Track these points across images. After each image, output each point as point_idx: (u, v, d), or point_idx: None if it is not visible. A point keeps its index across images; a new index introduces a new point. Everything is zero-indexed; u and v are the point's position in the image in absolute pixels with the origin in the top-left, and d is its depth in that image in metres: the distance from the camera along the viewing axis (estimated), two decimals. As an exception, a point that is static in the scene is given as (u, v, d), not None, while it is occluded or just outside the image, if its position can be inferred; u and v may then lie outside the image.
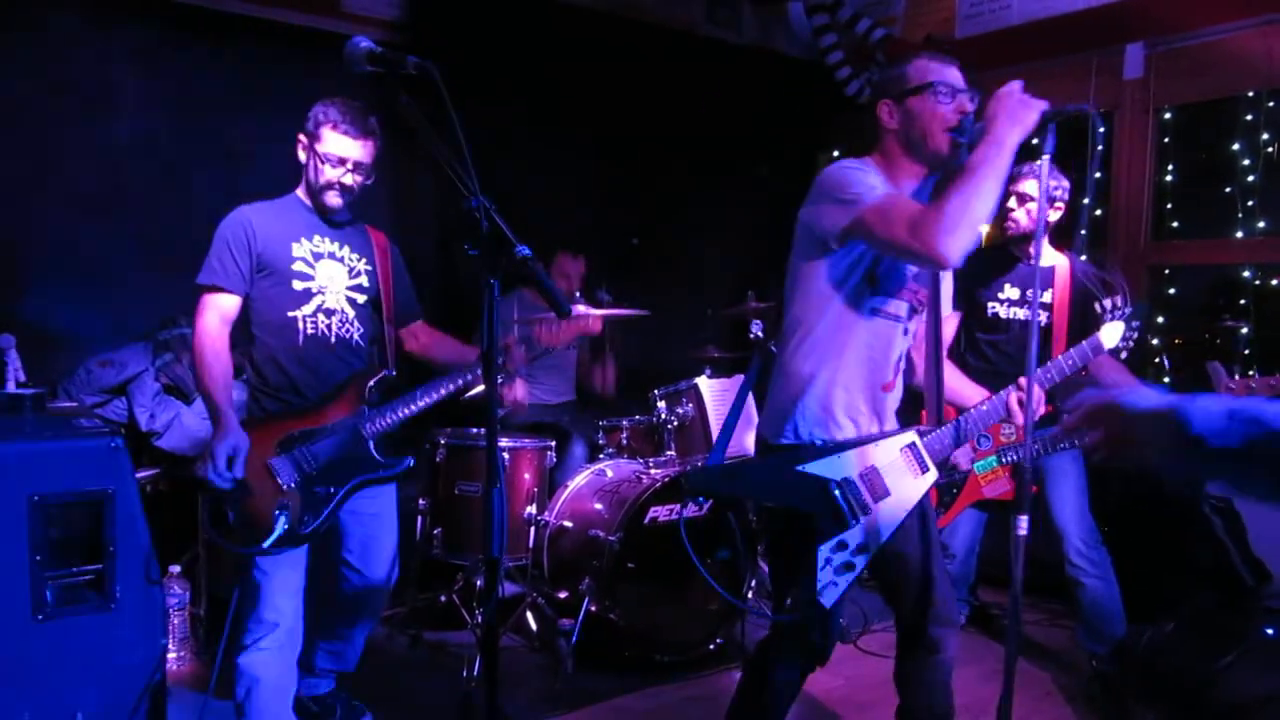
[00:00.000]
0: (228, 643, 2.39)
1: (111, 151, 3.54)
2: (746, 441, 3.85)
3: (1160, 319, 4.24)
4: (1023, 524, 1.85)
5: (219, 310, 2.35)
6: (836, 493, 1.93)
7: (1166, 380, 4.20)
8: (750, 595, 3.57)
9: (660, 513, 3.28)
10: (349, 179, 2.40)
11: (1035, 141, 1.88)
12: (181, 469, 3.27)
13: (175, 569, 3.17)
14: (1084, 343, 2.61)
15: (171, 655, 3.09)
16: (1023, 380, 2.30)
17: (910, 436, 2.06)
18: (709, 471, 2.14)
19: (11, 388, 2.80)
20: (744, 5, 5.08)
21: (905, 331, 2.10)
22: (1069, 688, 3.19)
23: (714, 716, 3.01)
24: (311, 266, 2.42)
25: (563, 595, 3.39)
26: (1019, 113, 1.84)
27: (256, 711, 2.38)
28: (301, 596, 2.40)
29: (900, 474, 2.01)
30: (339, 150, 2.37)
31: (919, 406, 2.26)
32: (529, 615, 3.48)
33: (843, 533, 1.93)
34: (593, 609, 3.21)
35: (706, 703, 3.08)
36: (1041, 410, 2.40)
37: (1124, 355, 2.73)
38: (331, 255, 2.46)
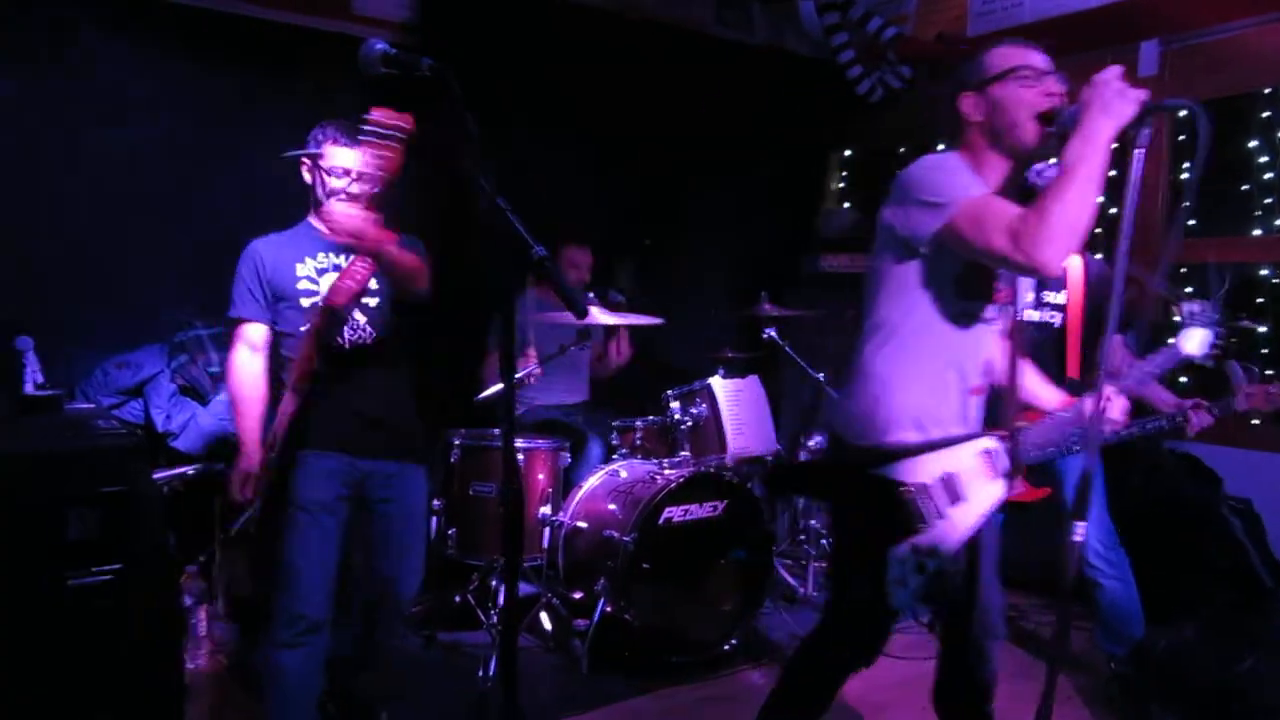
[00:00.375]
0: (256, 639, 2.42)
1: (127, 155, 3.56)
2: (754, 444, 3.84)
3: (1176, 317, 4.21)
4: (1080, 530, 1.78)
5: (247, 340, 2.48)
6: (912, 497, 1.89)
7: (1183, 380, 4.17)
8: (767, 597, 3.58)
9: (675, 513, 3.27)
10: (355, 188, 2.46)
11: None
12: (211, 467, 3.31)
13: (192, 569, 3.19)
14: (1167, 349, 2.50)
15: (188, 654, 3.11)
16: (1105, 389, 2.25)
17: (988, 441, 2.00)
18: (791, 469, 2.11)
19: (30, 389, 2.82)
20: (754, 5, 5.06)
21: (994, 332, 2.03)
22: (1088, 689, 3.17)
23: (730, 716, 3.01)
24: (315, 283, 2.46)
25: (577, 596, 3.39)
26: (1115, 104, 1.70)
27: (281, 708, 2.40)
28: (331, 596, 2.42)
29: (977, 479, 1.96)
30: (343, 162, 2.45)
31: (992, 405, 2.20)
32: (543, 616, 3.48)
33: (916, 536, 1.89)
34: (608, 609, 3.21)
35: (722, 703, 3.08)
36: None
37: (1211, 365, 2.57)
38: (336, 268, 2.48)
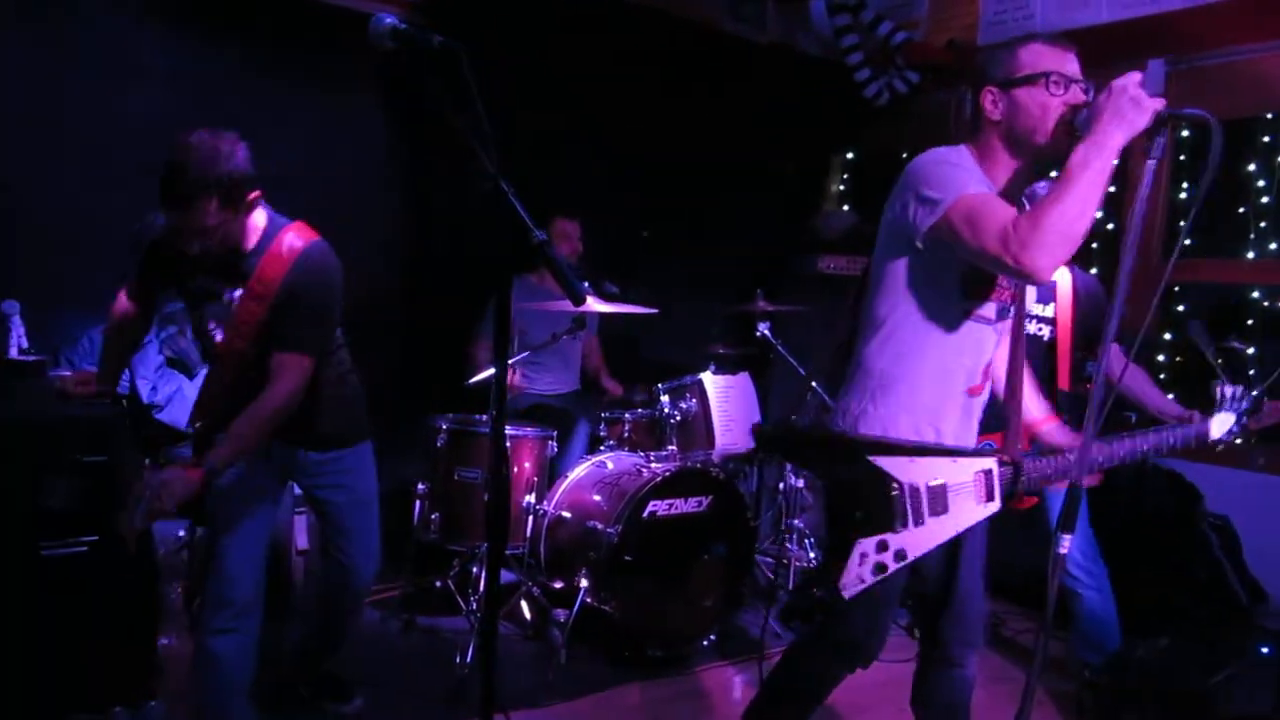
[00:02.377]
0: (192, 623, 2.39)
1: (125, 123, 3.51)
2: (742, 441, 3.84)
3: (1166, 335, 4.23)
4: (1065, 542, 1.73)
5: None
6: (896, 494, 1.86)
7: (1171, 397, 4.19)
8: (744, 592, 3.58)
9: (659, 507, 3.27)
10: (192, 247, 2.14)
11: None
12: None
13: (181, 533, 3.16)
14: (1190, 428, 2.32)
15: (163, 630, 3.08)
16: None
17: (989, 463, 1.95)
18: (786, 431, 2.05)
19: (14, 354, 2.79)
20: (768, 3, 5.04)
21: (996, 332, 2.00)
22: (1061, 696, 3.18)
23: (705, 713, 3.02)
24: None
25: (558, 585, 3.38)
26: (1129, 112, 1.64)
27: (215, 695, 2.35)
28: (261, 578, 2.37)
29: (966, 496, 1.91)
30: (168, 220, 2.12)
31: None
32: (523, 604, 3.47)
33: (888, 533, 1.85)
34: (588, 600, 3.21)
35: (698, 698, 3.08)
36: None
37: (1219, 448, 2.47)
38: (231, 297, 2.31)
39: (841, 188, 5.60)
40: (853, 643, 2.04)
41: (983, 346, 1.97)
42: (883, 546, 1.85)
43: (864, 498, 1.87)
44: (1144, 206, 1.68)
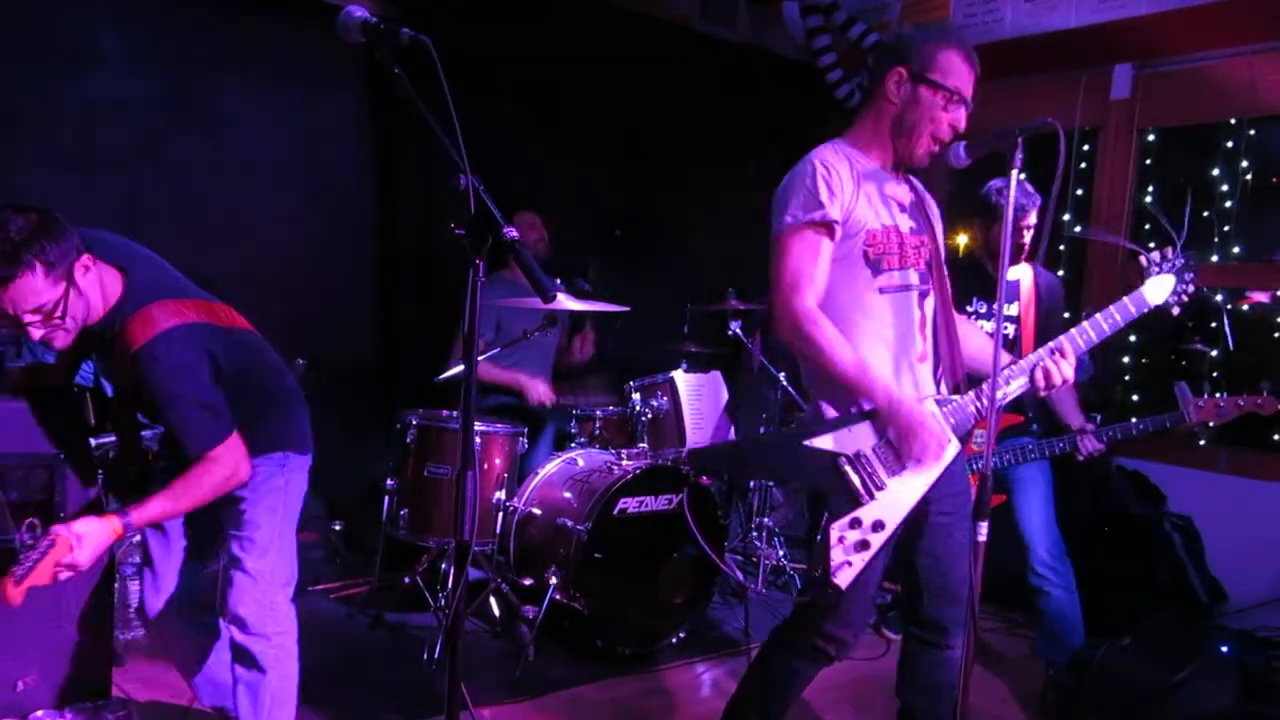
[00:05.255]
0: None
1: (90, 111, 3.46)
2: (712, 439, 3.85)
3: (1131, 338, 4.30)
4: (982, 530, 1.78)
5: None
6: (846, 468, 1.85)
7: (1135, 398, 4.26)
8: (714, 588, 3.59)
9: (630, 504, 3.27)
10: (37, 330, 1.92)
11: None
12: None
13: (137, 538, 3.11)
14: (1125, 298, 2.12)
15: (123, 625, 3.04)
16: (1061, 344, 2.02)
17: (928, 405, 1.94)
18: (714, 450, 2.09)
19: (-27, 345, 2.73)
20: (739, 3, 5.06)
21: (924, 295, 2.01)
22: (1025, 695, 3.22)
23: (673, 709, 3.03)
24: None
25: (527, 582, 3.37)
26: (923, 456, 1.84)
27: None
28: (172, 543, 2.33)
29: None
30: (25, 303, 1.87)
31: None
32: (492, 601, 3.46)
33: (855, 510, 1.84)
34: (557, 597, 3.20)
35: (666, 695, 3.09)
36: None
37: (1176, 312, 2.18)
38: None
39: (814, 187, 5.63)
40: (826, 635, 2.03)
41: (912, 314, 1.99)
42: (856, 523, 1.84)
43: (818, 482, 1.87)
44: (1011, 214, 1.81)
